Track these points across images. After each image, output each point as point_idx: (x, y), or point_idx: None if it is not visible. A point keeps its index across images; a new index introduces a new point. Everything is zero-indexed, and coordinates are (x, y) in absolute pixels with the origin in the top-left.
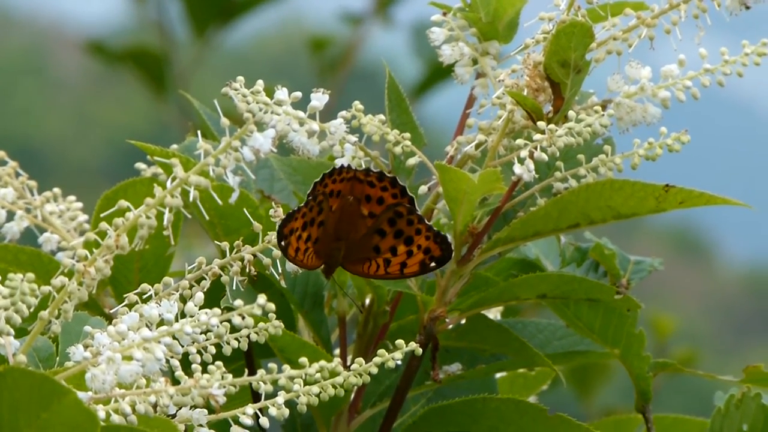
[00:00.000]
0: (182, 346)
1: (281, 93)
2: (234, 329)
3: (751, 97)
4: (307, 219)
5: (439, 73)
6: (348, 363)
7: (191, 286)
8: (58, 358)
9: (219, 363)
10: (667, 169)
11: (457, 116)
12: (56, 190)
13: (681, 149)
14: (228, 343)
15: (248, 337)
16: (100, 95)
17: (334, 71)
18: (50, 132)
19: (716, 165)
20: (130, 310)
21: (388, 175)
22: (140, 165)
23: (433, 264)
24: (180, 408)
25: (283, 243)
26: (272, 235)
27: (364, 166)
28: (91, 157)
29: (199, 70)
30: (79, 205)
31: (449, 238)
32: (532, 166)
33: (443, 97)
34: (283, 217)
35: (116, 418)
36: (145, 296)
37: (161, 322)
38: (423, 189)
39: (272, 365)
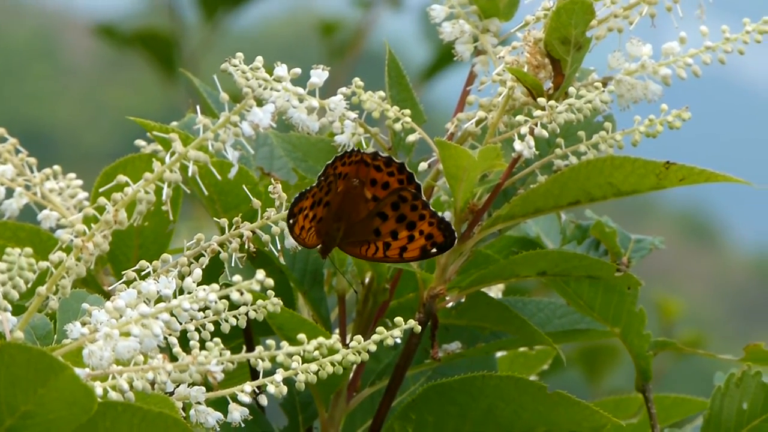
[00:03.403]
0: (180, 323)
1: (280, 69)
2: (232, 306)
3: (756, 79)
4: (316, 199)
5: (448, 57)
6: (347, 341)
7: (190, 263)
8: (55, 336)
9: (217, 340)
10: (672, 153)
11: None
12: (56, 167)
13: (681, 126)
14: (226, 321)
15: (246, 314)
16: (110, 80)
17: (343, 55)
18: (61, 117)
19: (722, 149)
20: (128, 287)
21: (397, 160)
22: (140, 142)
23: (434, 250)
24: (178, 385)
25: (291, 221)
26: (271, 212)
27: (370, 148)
28: (102, 141)
29: (209, 53)
30: (79, 182)
31: (452, 225)
32: (532, 142)
33: (452, 81)
34: (296, 195)
35: (113, 395)
36: (143, 273)
37: (159, 299)
38: (423, 166)
39: (270, 342)
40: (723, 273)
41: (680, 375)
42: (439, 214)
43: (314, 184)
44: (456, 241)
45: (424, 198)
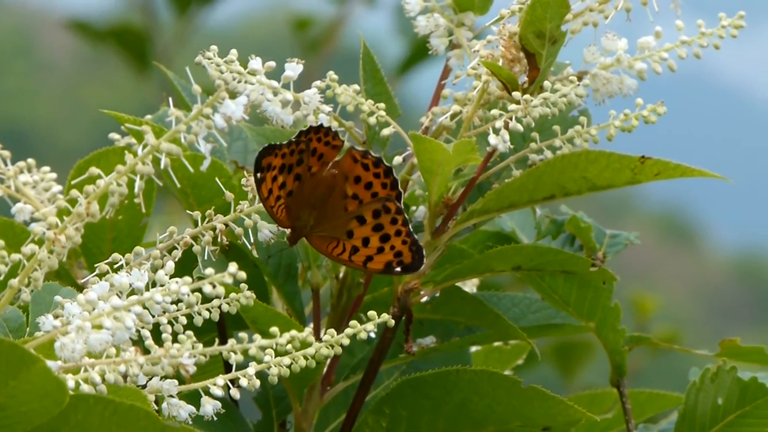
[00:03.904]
0: (153, 316)
1: (255, 62)
2: (205, 299)
3: (738, 83)
4: (286, 162)
5: (422, 52)
6: (321, 335)
7: (163, 256)
8: (28, 329)
9: (189, 333)
10: (648, 150)
11: None
12: (30, 160)
13: (656, 121)
14: (199, 314)
15: (219, 307)
16: (88, 78)
17: (317, 51)
18: (38, 114)
19: (704, 151)
20: (101, 280)
21: (386, 164)
22: (114, 135)
23: (398, 269)
24: (150, 378)
25: (258, 175)
26: (245, 205)
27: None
28: (79, 139)
29: (183, 50)
30: (54, 175)
31: (424, 251)
32: (507, 136)
33: (426, 76)
34: (263, 146)
35: (85, 388)
36: (116, 266)
37: (132, 292)
38: (398, 159)
39: (243, 335)
40: (701, 273)
41: (655, 373)
42: (415, 235)
43: (284, 143)
44: (423, 266)
45: (407, 216)
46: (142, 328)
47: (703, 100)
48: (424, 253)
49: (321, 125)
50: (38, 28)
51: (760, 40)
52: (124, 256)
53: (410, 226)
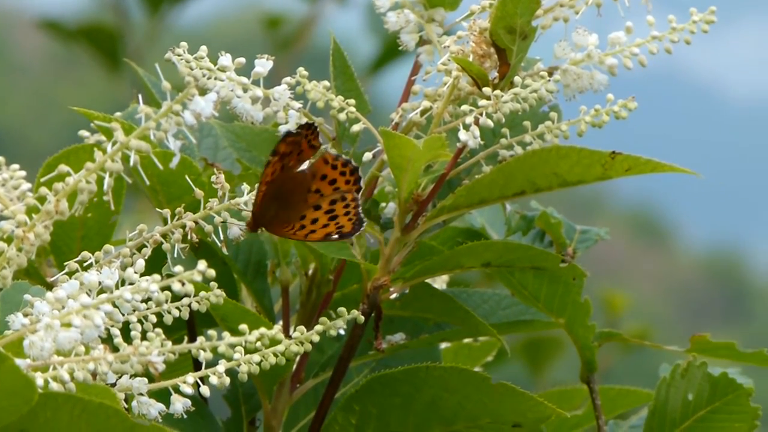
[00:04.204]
0: (122, 314)
1: (225, 59)
2: (175, 297)
3: (709, 81)
4: (285, 151)
5: (393, 51)
6: (291, 332)
7: (132, 254)
8: None
9: (159, 330)
10: (619, 148)
11: None
12: (0, 158)
13: (627, 117)
14: (169, 312)
15: (189, 306)
16: (59, 78)
17: (288, 49)
18: (10, 115)
19: (675, 149)
20: (70, 278)
21: (354, 164)
22: (83, 133)
23: (336, 236)
24: (120, 376)
25: (271, 158)
26: (214, 202)
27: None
28: (50, 139)
29: (155, 49)
30: (23, 173)
31: (365, 222)
32: (477, 132)
33: (397, 75)
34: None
35: (54, 386)
36: (85, 264)
37: (101, 290)
38: (367, 156)
39: (212, 332)
40: (672, 271)
41: (624, 370)
42: (362, 214)
43: (293, 131)
44: (361, 230)
45: (360, 202)
46: (112, 326)
47: (674, 98)
48: (364, 224)
49: (313, 124)
50: (9, 28)
51: (730, 38)
52: (93, 254)
53: (361, 207)
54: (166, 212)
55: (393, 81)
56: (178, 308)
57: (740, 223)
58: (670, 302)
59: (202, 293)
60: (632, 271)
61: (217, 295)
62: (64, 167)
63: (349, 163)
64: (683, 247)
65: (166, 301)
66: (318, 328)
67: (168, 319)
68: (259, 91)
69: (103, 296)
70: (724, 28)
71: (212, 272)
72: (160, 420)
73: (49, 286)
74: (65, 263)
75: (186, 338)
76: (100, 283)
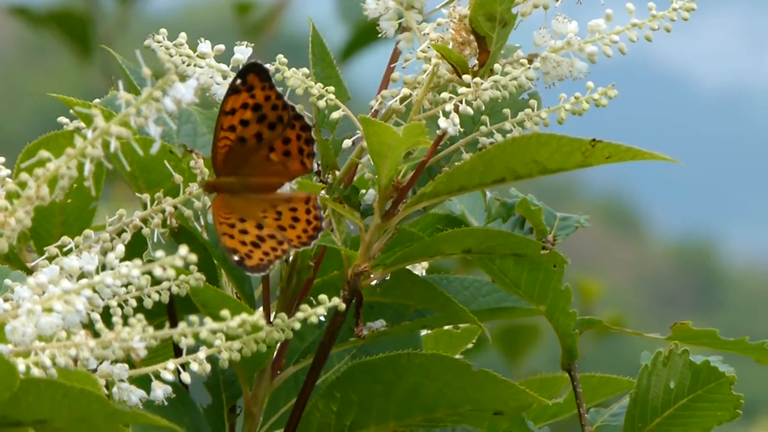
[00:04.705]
0: (103, 299)
1: (204, 46)
2: (155, 282)
3: (681, 71)
4: (263, 106)
5: (363, 39)
6: (271, 319)
7: (112, 239)
8: None
9: (140, 316)
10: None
11: None
12: None
13: (607, 104)
14: (149, 296)
15: (169, 290)
16: (29, 66)
17: (258, 35)
18: None
19: (647, 138)
20: (50, 263)
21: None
22: (62, 119)
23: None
24: (101, 362)
25: (237, 83)
26: (194, 187)
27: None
28: (21, 127)
29: (124, 36)
30: (2, 159)
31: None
32: (457, 119)
33: (367, 63)
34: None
35: (36, 371)
36: (65, 249)
37: (82, 275)
38: (347, 143)
39: (194, 318)
40: (643, 261)
41: (596, 359)
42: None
43: (279, 89)
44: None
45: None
46: (92, 311)
47: (644, 87)
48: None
49: (305, 120)
50: None
51: (701, 27)
52: (73, 239)
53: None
54: (146, 197)
55: (363, 68)
56: (158, 292)
57: (711, 212)
58: (641, 291)
59: (182, 276)
60: (603, 259)
61: (196, 278)
62: (44, 153)
63: (318, 219)
64: (654, 236)
65: (147, 286)
66: (299, 315)
67: (148, 303)
68: None
69: (84, 281)
70: (696, 20)
71: (194, 257)
72: (141, 406)
73: (30, 272)
74: (45, 248)
75: (167, 324)
76: (80, 268)
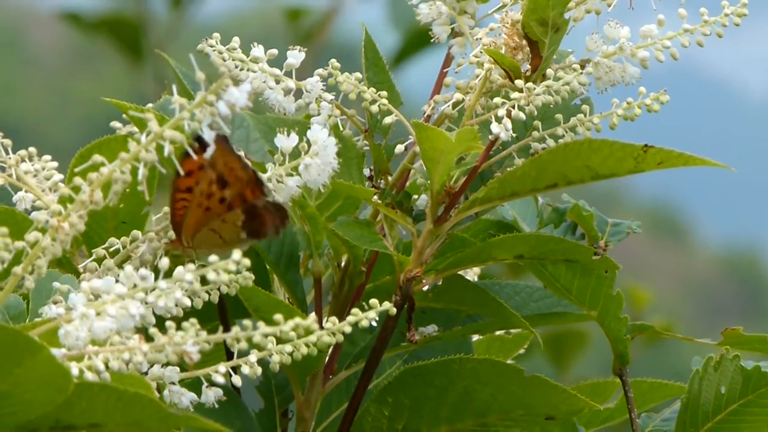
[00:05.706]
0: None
1: (257, 50)
2: (205, 284)
3: (729, 77)
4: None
5: (415, 45)
6: (323, 324)
7: (160, 238)
8: (28, 316)
9: (193, 320)
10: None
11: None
12: (32, 149)
13: (659, 110)
14: (198, 296)
15: (219, 289)
16: (76, 72)
17: (309, 42)
18: (26, 109)
19: (694, 145)
20: (99, 265)
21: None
22: (115, 124)
23: None
24: (151, 366)
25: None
26: None
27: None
28: (68, 134)
29: (176, 43)
30: (55, 164)
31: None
32: (509, 125)
33: (418, 69)
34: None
35: (89, 375)
36: (111, 250)
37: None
38: (400, 148)
39: (247, 322)
40: (690, 269)
41: (646, 366)
42: None
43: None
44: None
45: None
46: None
47: (692, 94)
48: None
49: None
50: (26, 23)
51: (749, 34)
52: (120, 240)
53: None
54: None
55: (414, 74)
56: (207, 292)
57: (757, 219)
58: (688, 299)
59: (231, 276)
60: (650, 267)
61: (245, 277)
62: (98, 157)
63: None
64: (701, 244)
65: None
66: (350, 319)
67: (198, 303)
68: (291, 83)
69: (138, 285)
70: (745, 25)
71: (247, 261)
72: (192, 409)
73: (80, 275)
74: (93, 250)
75: (220, 328)
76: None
